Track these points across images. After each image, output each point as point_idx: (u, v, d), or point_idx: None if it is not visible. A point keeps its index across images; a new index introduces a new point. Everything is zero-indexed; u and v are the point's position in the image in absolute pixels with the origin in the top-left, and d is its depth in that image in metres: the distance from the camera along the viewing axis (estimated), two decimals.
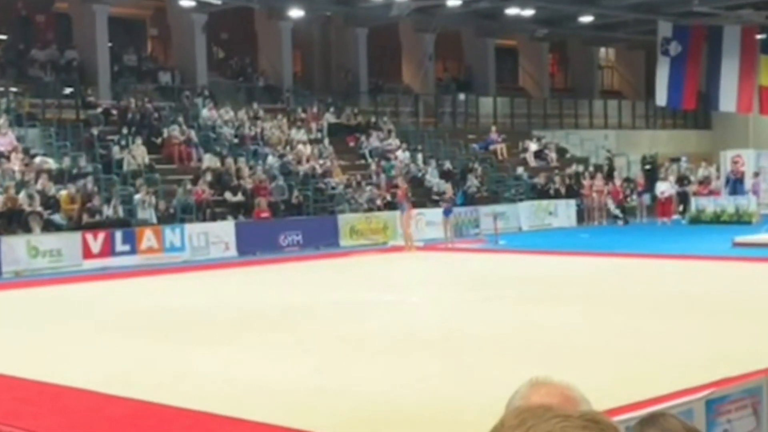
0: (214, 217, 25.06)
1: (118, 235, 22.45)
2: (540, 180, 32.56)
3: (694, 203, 31.56)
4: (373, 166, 30.17)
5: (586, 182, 32.47)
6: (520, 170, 33.34)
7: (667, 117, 42.14)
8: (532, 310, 13.91)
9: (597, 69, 44.06)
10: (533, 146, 35.75)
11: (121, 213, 23.67)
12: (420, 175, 30.71)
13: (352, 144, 32.06)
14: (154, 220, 23.93)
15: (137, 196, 24.19)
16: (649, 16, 32.97)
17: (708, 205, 31.21)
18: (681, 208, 32.36)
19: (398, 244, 25.11)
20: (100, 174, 25.13)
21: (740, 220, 29.45)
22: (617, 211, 31.89)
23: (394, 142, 32.35)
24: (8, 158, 24.18)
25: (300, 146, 29.67)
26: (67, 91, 28.91)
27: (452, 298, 15.70)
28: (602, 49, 44.78)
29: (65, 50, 30.70)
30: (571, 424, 1.51)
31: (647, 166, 35.27)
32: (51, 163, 24.88)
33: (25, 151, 25.19)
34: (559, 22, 36.92)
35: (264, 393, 9.14)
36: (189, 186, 25.42)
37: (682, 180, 33.56)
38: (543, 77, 41.59)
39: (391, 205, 27.64)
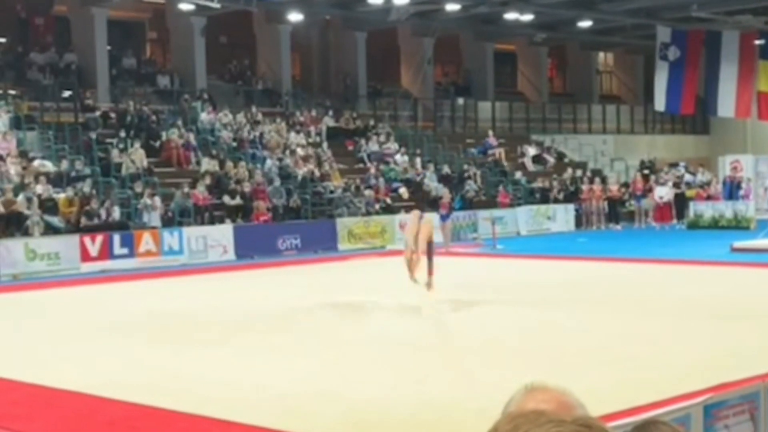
0: (212, 221, 25.05)
1: (117, 238, 22.43)
2: (540, 184, 32.54)
3: (693, 208, 31.51)
4: (372, 170, 30.16)
5: (584, 187, 32.43)
6: (518, 174, 33.34)
7: (666, 122, 42.15)
8: (530, 314, 13.91)
9: (595, 74, 44.04)
10: (531, 151, 35.75)
11: (118, 216, 23.65)
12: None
13: (350, 148, 32.06)
14: (160, 224, 23.90)
15: (142, 200, 24.16)
16: (647, 21, 32.97)
17: (706, 210, 31.15)
18: (677, 213, 32.30)
19: (398, 248, 24.95)
20: (99, 177, 25.12)
21: (738, 225, 29.41)
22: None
23: (392, 146, 32.35)
24: (6, 161, 24.17)
25: (299, 150, 29.66)
26: (66, 94, 28.89)
27: (450, 302, 15.69)
28: (601, 54, 44.77)
29: (64, 53, 30.68)
30: (564, 429, 1.50)
31: (645, 171, 35.25)
32: (49, 166, 24.87)
33: (24, 154, 25.18)
34: (558, 27, 36.93)
35: (261, 396, 9.13)
36: (187, 189, 25.39)
37: (679, 185, 33.53)
38: (542, 82, 41.60)
39: (389, 209, 27.63)
